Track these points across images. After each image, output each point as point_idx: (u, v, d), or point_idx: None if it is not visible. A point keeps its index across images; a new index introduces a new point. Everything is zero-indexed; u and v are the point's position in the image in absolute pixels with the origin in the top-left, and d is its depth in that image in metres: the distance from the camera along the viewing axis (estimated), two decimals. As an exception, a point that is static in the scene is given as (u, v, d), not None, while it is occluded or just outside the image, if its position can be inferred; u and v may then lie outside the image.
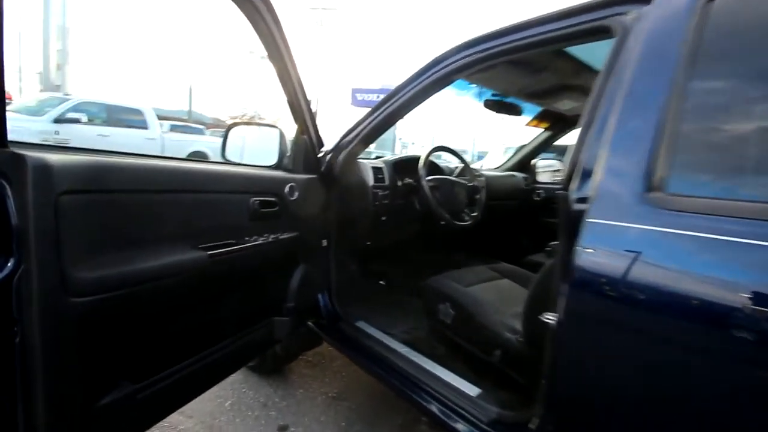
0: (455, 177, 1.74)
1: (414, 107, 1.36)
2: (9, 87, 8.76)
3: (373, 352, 1.31)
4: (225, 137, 1.37)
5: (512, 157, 2.51)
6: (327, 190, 1.43)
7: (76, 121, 6.15)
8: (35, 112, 6.23)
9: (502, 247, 2.36)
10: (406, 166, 1.75)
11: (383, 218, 1.62)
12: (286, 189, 1.22)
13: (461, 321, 1.25)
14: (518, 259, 1.95)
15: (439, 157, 1.81)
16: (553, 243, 1.34)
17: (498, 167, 2.56)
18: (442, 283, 1.38)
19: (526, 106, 1.86)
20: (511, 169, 2.47)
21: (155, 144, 7.31)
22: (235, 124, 1.38)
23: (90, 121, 6.49)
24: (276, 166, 1.34)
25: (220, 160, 1.32)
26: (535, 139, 2.39)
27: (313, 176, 1.38)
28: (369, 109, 1.43)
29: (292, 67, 1.19)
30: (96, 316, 0.68)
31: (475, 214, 1.73)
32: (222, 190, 0.99)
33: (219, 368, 1.05)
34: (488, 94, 1.73)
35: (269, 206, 1.15)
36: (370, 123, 1.40)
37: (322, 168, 1.44)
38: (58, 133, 5.94)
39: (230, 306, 1.05)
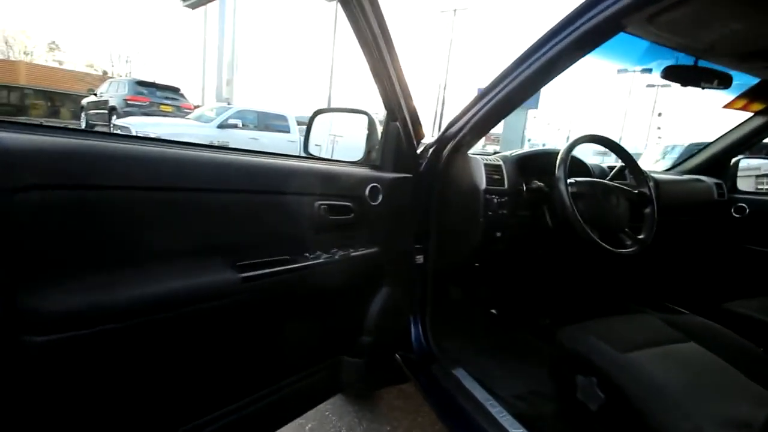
0: (611, 181, 1.22)
1: (548, 79, 0.95)
2: (194, 99, 10.81)
3: (471, 421, 0.94)
4: (308, 127, 1.17)
5: (696, 154, 1.78)
6: (426, 194, 1.12)
7: (234, 126, 7.13)
8: (206, 120, 7.49)
9: (679, 285, 1.69)
10: (535, 164, 1.31)
11: (498, 234, 1.22)
12: (367, 191, 0.95)
13: (617, 414, 0.79)
14: (709, 307, 1.32)
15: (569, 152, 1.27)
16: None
17: (671, 168, 1.86)
18: (585, 340, 0.92)
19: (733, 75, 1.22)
20: (694, 171, 1.76)
21: (295, 146, 8.07)
22: (319, 111, 1.17)
23: (244, 127, 7.46)
24: (363, 162, 1.08)
25: (299, 154, 1.12)
26: (736, 129, 1.64)
27: (407, 175, 1.09)
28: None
29: (380, 29, 0.91)
30: (65, 361, 0.50)
31: (642, 236, 1.19)
32: (274, 191, 0.77)
33: (255, 426, 0.82)
34: (668, 60, 1.18)
35: (342, 213, 0.89)
36: (486, 103, 1.04)
37: (422, 166, 1.13)
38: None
39: (277, 343, 0.82)
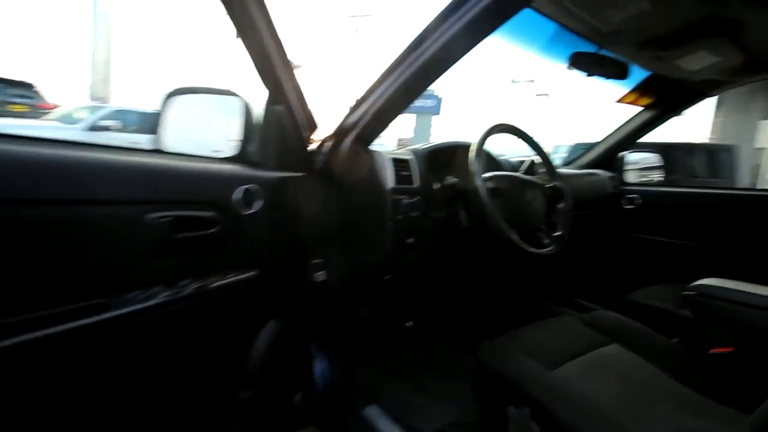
0: (524, 174, 1.13)
1: (457, 57, 0.80)
2: (57, 99, 9.12)
3: None
4: (160, 114, 0.87)
5: (590, 150, 1.84)
6: (324, 197, 0.90)
7: (108, 128, 6.14)
8: (73, 121, 6.33)
9: (585, 278, 1.70)
10: (447, 157, 1.17)
11: (410, 240, 1.05)
12: (236, 196, 0.69)
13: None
14: (615, 300, 1.31)
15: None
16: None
17: (570, 163, 1.91)
18: (510, 360, 0.79)
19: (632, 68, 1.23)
20: (589, 166, 1.81)
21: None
22: (176, 92, 0.87)
23: (123, 129, 6.46)
24: (236, 158, 0.82)
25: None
26: (626, 124, 1.71)
27: (297, 174, 0.86)
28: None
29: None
30: None
31: (558, 233, 1.11)
32: (71, 199, 0.48)
33: None
34: (571, 45, 1.13)
35: (198, 227, 0.63)
36: (390, 85, 0.86)
37: (317, 162, 0.91)
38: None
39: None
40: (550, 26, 1.05)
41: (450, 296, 1.44)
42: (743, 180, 4.97)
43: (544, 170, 1.24)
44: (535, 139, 1.12)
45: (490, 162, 1.24)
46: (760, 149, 5.67)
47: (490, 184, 0.98)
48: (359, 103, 0.93)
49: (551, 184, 1.15)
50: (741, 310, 0.90)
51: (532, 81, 18.93)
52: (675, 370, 0.82)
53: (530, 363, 0.78)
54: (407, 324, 1.44)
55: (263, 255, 0.76)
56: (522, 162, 1.25)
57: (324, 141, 0.97)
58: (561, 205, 1.14)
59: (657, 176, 1.96)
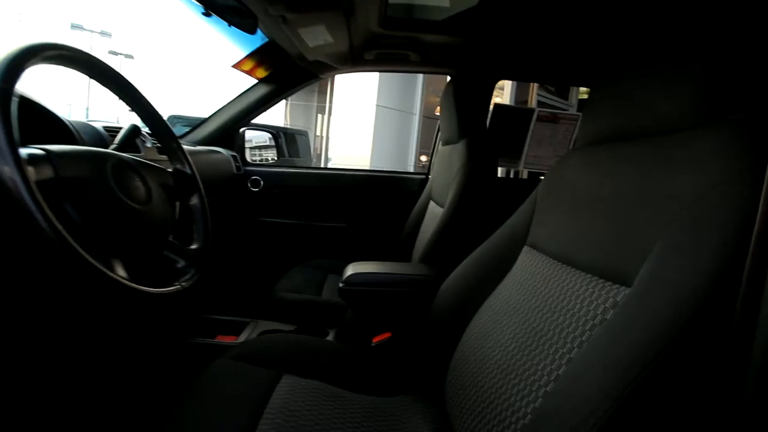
0: (125, 153, 0.64)
1: None
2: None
3: None
4: None
5: (204, 123, 1.51)
6: None
7: None
8: None
9: (214, 284, 1.39)
10: None
11: None
12: None
13: None
14: (258, 298, 1.12)
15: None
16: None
17: (181, 137, 1.51)
18: None
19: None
20: (206, 142, 1.50)
21: None
22: None
23: None
24: None
25: None
26: (243, 96, 1.50)
27: None
28: None
29: None
30: None
31: (196, 246, 0.72)
32: None
33: None
34: None
35: None
36: None
37: None
38: None
39: None
40: None
41: None
42: (314, 157, 6.42)
43: (154, 145, 0.81)
44: (139, 91, 0.66)
45: (45, 122, 0.66)
46: (318, 136, 7.49)
47: (43, 171, 0.45)
48: None
49: (174, 168, 0.74)
50: (383, 292, 0.91)
51: (108, 34, 15.86)
52: (352, 382, 0.72)
53: None
54: None
55: None
56: (114, 131, 0.76)
57: None
58: (195, 201, 0.76)
59: (271, 156, 1.94)
